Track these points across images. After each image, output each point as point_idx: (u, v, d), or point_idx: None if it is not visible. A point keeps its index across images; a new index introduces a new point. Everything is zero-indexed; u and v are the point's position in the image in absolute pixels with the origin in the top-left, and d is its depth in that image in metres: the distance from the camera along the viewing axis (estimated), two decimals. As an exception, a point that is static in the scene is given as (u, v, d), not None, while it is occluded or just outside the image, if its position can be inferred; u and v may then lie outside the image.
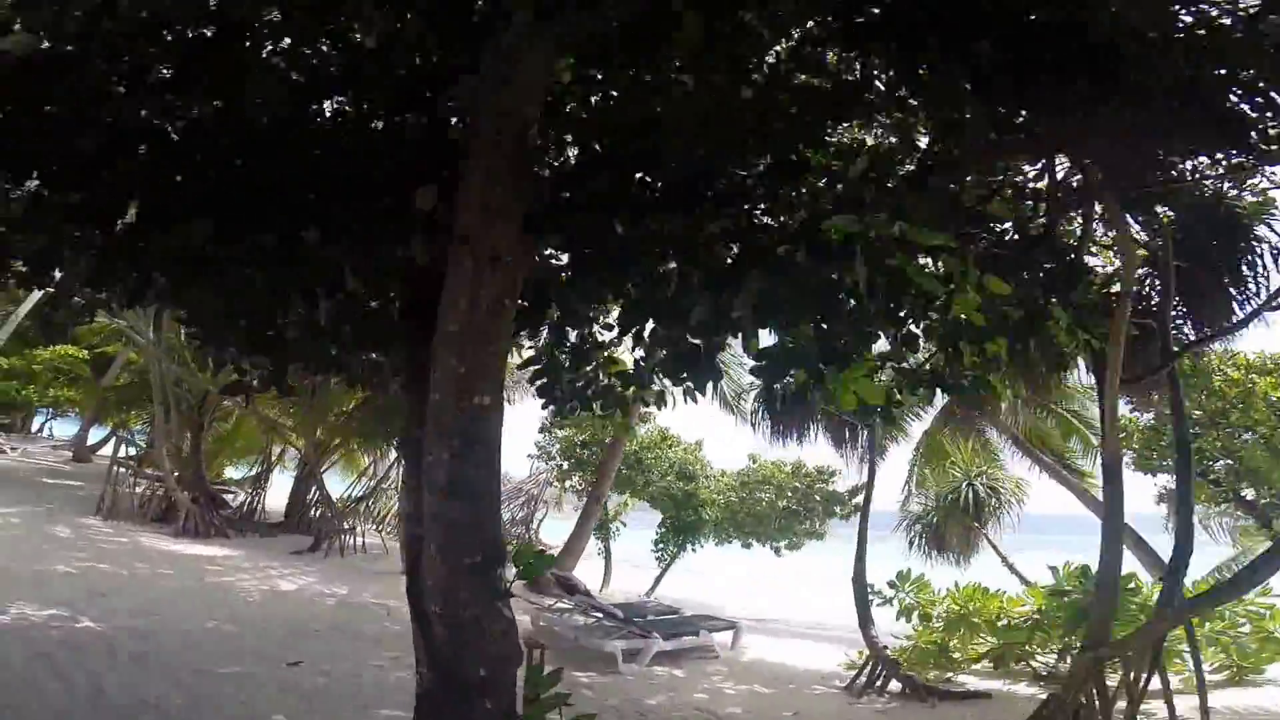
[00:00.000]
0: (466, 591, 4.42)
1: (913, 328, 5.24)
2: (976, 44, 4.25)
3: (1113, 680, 7.46)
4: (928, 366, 6.63)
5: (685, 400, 7.22)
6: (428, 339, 4.76)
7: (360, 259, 4.54)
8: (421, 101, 4.71)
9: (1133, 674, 7.23)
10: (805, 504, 19.79)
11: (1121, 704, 7.25)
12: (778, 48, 4.78)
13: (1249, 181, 8.30)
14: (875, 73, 4.67)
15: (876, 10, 4.32)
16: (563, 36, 4.09)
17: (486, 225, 4.03)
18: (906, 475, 18.77)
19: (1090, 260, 8.22)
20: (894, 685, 9.86)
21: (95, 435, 30.33)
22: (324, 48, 4.53)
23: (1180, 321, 9.56)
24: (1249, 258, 8.92)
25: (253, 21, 4.11)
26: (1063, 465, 16.17)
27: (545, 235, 4.44)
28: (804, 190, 4.79)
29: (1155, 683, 7.25)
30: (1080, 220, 8.73)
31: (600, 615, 11.47)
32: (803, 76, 4.75)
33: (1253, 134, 4.98)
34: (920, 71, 4.41)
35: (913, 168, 5.31)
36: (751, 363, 5.03)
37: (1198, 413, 12.14)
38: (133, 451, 21.68)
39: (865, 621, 10.68)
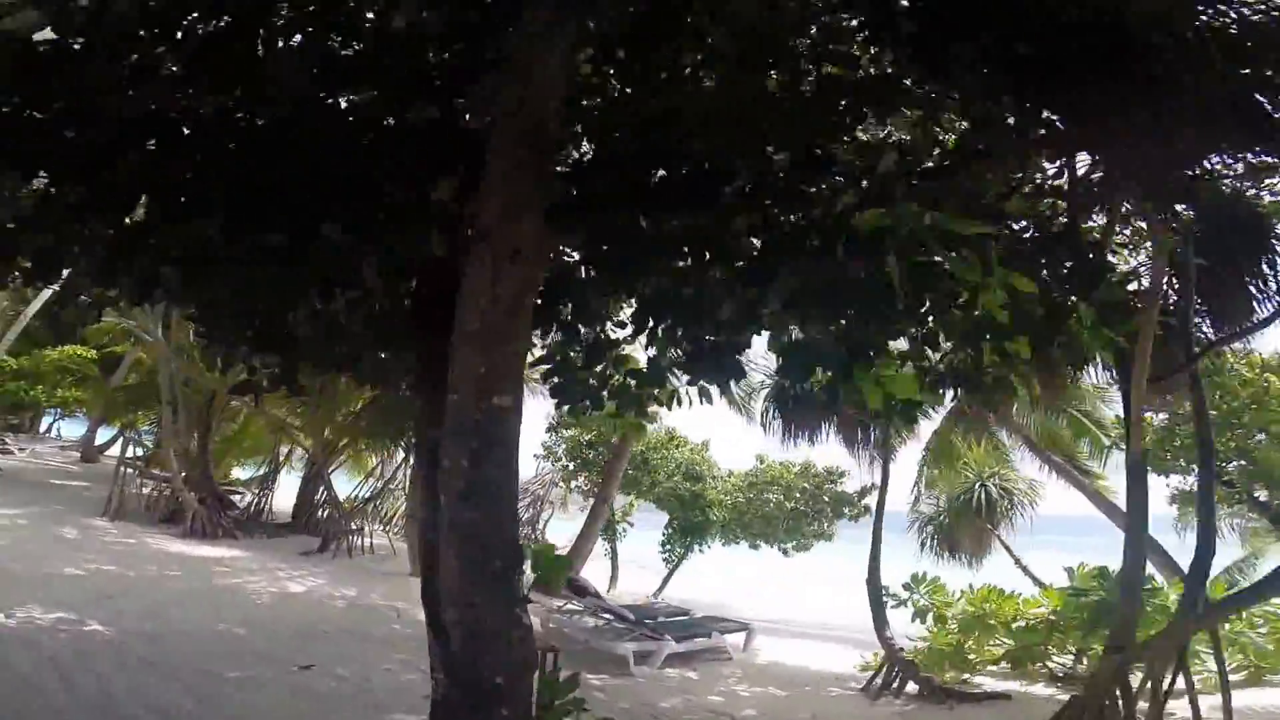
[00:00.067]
0: (485, 598, 4.33)
1: (933, 325, 5.15)
2: (1009, 40, 4.16)
3: (1133, 680, 7.35)
4: (944, 366, 6.52)
5: (700, 400, 7.14)
6: (442, 337, 4.66)
7: (378, 253, 4.43)
8: (440, 94, 4.61)
9: (1157, 677, 7.16)
10: (814, 505, 19.67)
11: (1143, 704, 7.18)
12: (803, 39, 4.66)
13: (1267, 181, 8.21)
14: (902, 66, 4.55)
15: (905, 2, 4.21)
16: (585, 26, 3.99)
17: (507, 220, 3.93)
18: (916, 476, 18.66)
19: (1110, 258, 8.15)
20: (911, 687, 9.78)
21: (103, 435, 30.32)
22: (337, 41, 4.44)
23: (1198, 320, 9.45)
24: (1269, 257, 8.81)
25: (269, 11, 4.01)
26: (1072, 466, 16.06)
27: (565, 231, 4.32)
28: (824, 186, 4.68)
29: (1178, 683, 7.17)
30: (1103, 217, 8.70)
31: (610, 617, 11.37)
32: (830, 68, 4.64)
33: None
34: (950, 66, 4.29)
35: (934, 163, 5.24)
36: (760, 361, 4.97)
37: (1212, 413, 11.97)
38: (140, 452, 21.61)
39: (880, 623, 10.59)
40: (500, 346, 4.10)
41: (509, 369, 4.19)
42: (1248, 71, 4.58)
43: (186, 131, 4.20)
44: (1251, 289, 9.18)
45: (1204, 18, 4.35)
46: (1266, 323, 9.06)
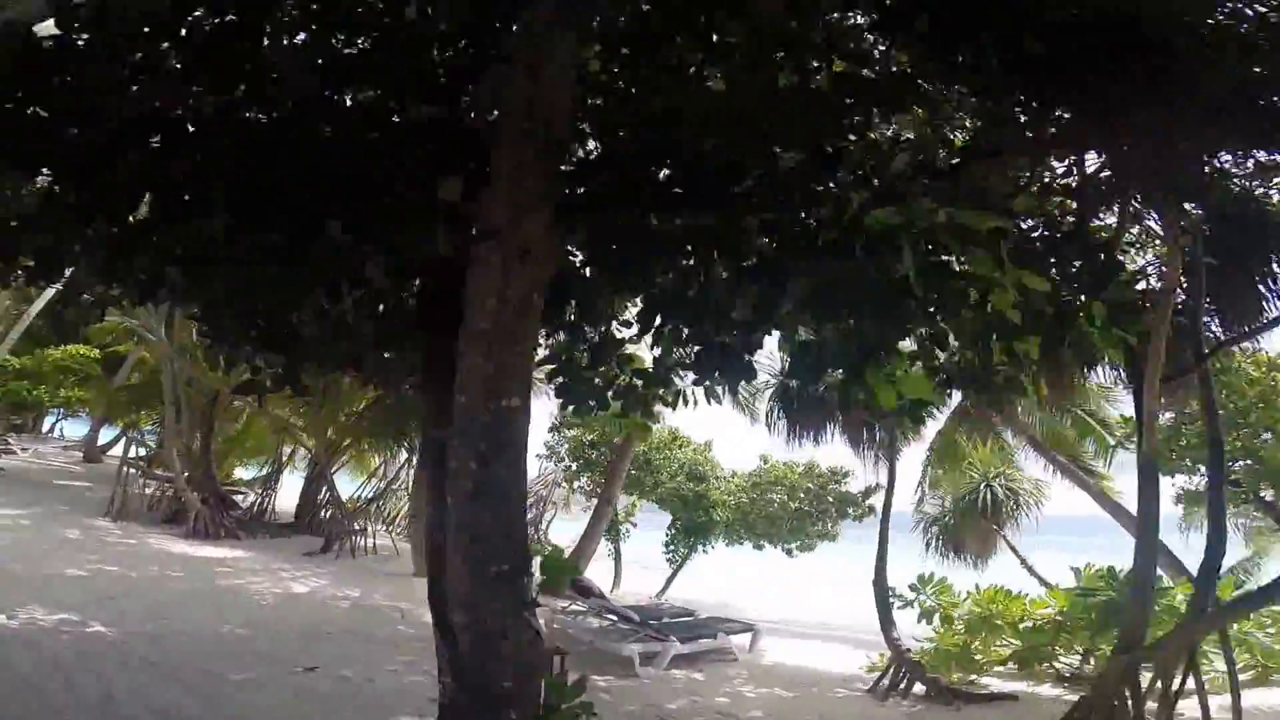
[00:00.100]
0: (493, 601, 4.28)
1: (943, 324, 5.09)
2: (1021, 37, 4.11)
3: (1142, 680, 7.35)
4: (954, 366, 6.47)
5: (708, 400, 7.09)
6: (447, 337, 4.62)
7: (384, 252, 4.38)
8: (443, 92, 4.56)
9: (1167, 678, 7.15)
10: (818, 505, 19.62)
11: (1151, 704, 7.18)
12: (816, 34, 4.61)
13: (1276, 180, 8.15)
14: (915, 64, 4.50)
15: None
16: (592, 20, 3.93)
17: (515, 219, 3.88)
18: (920, 476, 18.58)
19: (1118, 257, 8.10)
20: (918, 688, 9.72)
21: (105, 435, 30.29)
22: (340, 39, 4.39)
23: (1206, 319, 9.40)
24: (1279, 256, 8.76)
25: (272, 8, 3.96)
26: (1076, 465, 16.00)
27: (573, 229, 4.27)
28: (834, 184, 4.63)
29: (1187, 683, 7.18)
30: (1110, 216, 8.65)
31: (615, 618, 11.31)
32: (841, 66, 4.59)
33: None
34: (962, 63, 4.25)
35: (944, 162, 5.18)
36: (764, 361, 4.91)
37: (1220, 412, 11.92)
38: (143, 452, 21.58)
39: (887, 624, 10.53)
40: (509, 347, 4.05)
41: (517, 370, 4.14)
42: (1261, 70, 4.53)
43: (189, 130, 4.14)
44: (1261, 288, 9.16)
45: (1218, 16, 4.31)
46: (1276, 322, 9.00)
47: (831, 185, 4.61)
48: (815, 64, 4.55)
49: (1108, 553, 11.70)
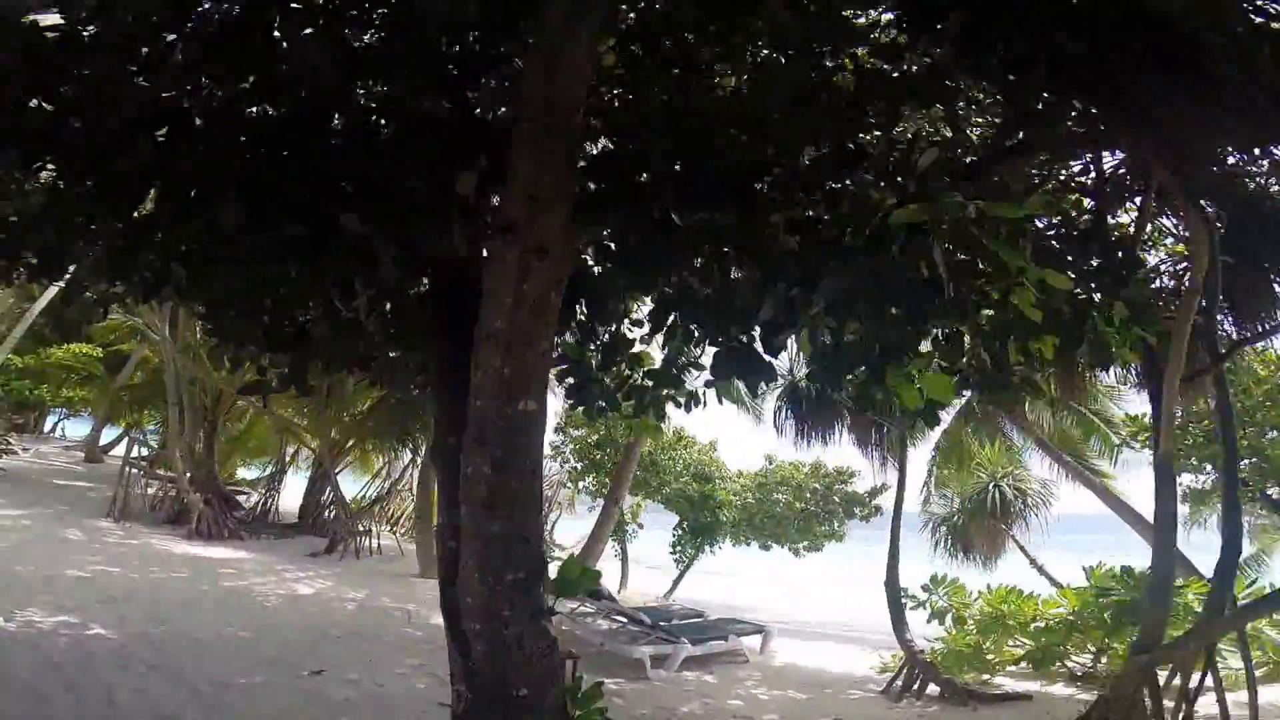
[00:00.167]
0: (509, 609, 4.18)
1: (959, 325, 5.00)
2: (1052, 34, 4.01)
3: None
4: (970, 365, 6.37)
5: (719, 401, 7.00)
6: (460, 337, 4.51)
7: (400, 248, 4.27)
8: (458, 84, 4.45)
9: (1185, 677, 7.13)
10: (824, 505, 19.53)
11: (1169, 702, 7.14)
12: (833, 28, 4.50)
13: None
14: (942, 60, 4.39)
15: None
16: (609, 13, 3.82)
17: (533, 215, 3.76)
18: (926, 476, 18.51)
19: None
20: (931, 688, 9.64)
21: (107, 435, 30.21)
22: (355, 31, 4.28)
23: (1219, 318, 9.30)
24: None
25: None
26: (1081, 464, 15.93)
27: (593, 226, 4.16)
28: (857, 181, 4.52)
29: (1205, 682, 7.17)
30: (1127, 213, 8.56)
31: (625, 620, 11.21)
32: (869, 62, 4.48)
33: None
34: (993, 60, 4.14)
35: (970, 159, 5.09)
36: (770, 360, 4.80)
37: (1226, 410, 11.85)
38: (145, 452, 21.51)
39: (899, 625, 10.43)
40: (526, 348, 3.94)
41: (535, 371, 4.03)
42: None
43: (198, 123, 4.04)
44: (1276, 287, 9.06)
45: (1251, 15, 4.22)
46: (1293, 322, 8.92)
47: (849, 183, 4.52)
48: (835, 62, 4.45)
49: (1113, 551, 11.65)
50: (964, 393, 6.59)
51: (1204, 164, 5.65)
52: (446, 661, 4.86)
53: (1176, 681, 7.26)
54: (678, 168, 4.15)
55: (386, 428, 18.58)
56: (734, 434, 21.63)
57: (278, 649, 8.98)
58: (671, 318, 5.33)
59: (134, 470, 18.92)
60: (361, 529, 17.87)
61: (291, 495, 21.88)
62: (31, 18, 3.72)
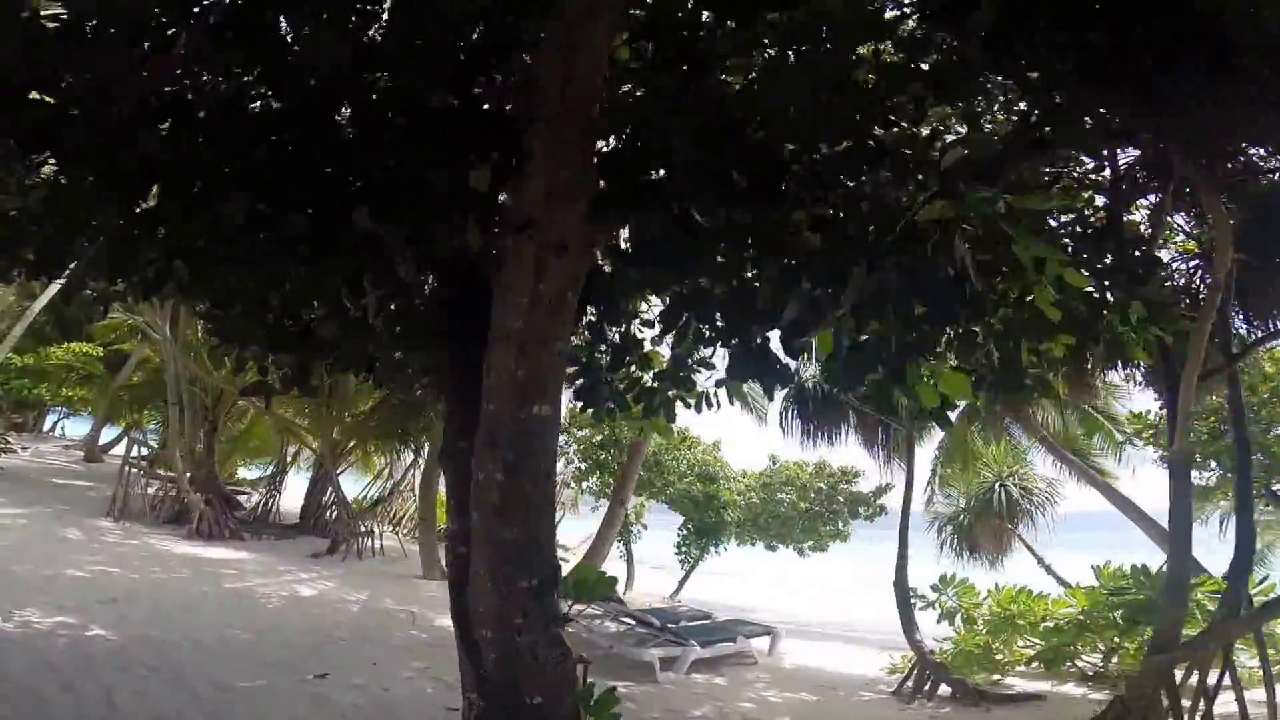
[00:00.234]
0: (521, 617, 4.08)
1: (973, 324, 4.90)
2: (1081, 27, 3.92)
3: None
4: (985, 365, 6.28)
5: (731, 402, 6.88)
6: (470, 337, 4.40)
7: (414, 245, 4.16)
8: (472, 75, 4.33)
9: (1202, 677, 7.11)
10: (829, 505, 19.45)
11: (1185, 701, 7.11)
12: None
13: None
14: (968, 54, 4.28)
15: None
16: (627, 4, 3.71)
17: (550, 211, 3.66)
18: (930, 476, 18.46)
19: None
20: (943, 689, 9.59)
21: (107, 435, 30.08)
22: (366, 20, 4.16)
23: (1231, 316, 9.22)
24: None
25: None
26: (1085, 463, 15.87)
27: (613, 222, 4.05)
28: (864, 179, 4.42)
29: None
30: (1138, 210, 8.46)
31: (633, 622, 11.11)
32: (892, 57, 4.37)
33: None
34: (1021, 54, 4.05)
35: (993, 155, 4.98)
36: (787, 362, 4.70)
37: (1230, 407, 11.80)
38: (145, 451, 21.40)
39: (909, 626, 10.35)
40: (541, 349, 3.83)
41: (550, 373, 3.93)
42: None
43: (204, 114, 3.93)
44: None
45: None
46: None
47: (865, 181, 4.42)
48: (859, 55, 4.35)
49: (1117, 549, 11.60)
50: (980, 392, 6.45)
51: (1231, 158, 5.55)
52: (453, 665, 4.77)
53: (1191, 681, 7.21)
54: (698, 163, 4.03)
55: (388, 428, 18.47)
56: (738, 434, 21.57)
57: (280, 651, 8.87)
58: (684, 318, 5.23)
59: (134, 470, 18.81)
60: (364, 530, 17.76)
61: (292, 495, 21.80)
62: (32, 7, 3.61)
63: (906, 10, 4.49)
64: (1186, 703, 7.07)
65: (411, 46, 3.96)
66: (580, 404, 6.57)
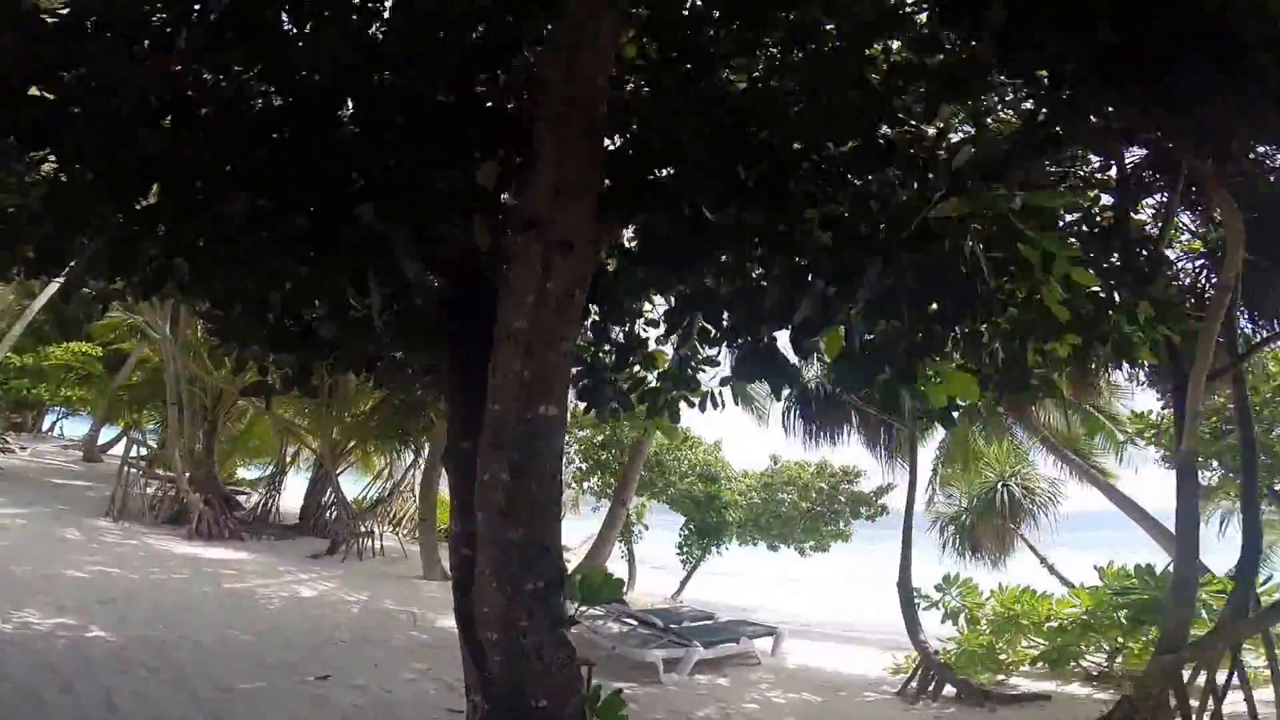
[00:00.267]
0: (527, 619, 4.04)
1: (978, 324, 4.87)
2: (1092, 25, 3.88)
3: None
4: (990, 365, 6.24)
5: (735, 401, 6.84)
6: (473, 337, 4.36)
7: (416, 242, 4.11)
8: (476, 67, 4.29)
9: (1210, 677, 7.09)
10: (830, 505, 19.41)
11: (1194, 701, 7.09)
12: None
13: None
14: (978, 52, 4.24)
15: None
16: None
17: (557, 208, 3.61)
18: (930, 476, 18.44)
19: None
20: (947, 690, 9.53)
21: (106, 435, 30.01)
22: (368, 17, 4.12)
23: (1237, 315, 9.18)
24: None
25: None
26: (1087, 462, 15.85)
27: (620, 221, 4.01)
28: (886, 177, 4.37)
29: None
30: (1143, 209, 8.42)
31: (636, 623, 11.06)
32: (902, 54, 4.33)
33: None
34: (1031, 51, 4.01)
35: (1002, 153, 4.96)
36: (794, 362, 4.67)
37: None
38: (144, 451, 21.35)
39: (913, 626, 10.30)
40: (547, 348, 3.78)
41: (556, 373, 3.88)
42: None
43: (205, 111, 3.88)
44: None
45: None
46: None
47: (872, 179, 4.38)
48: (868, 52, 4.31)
49: (1119, 548, 11.60)
50: (987, 392, 6.42)
51: (1241, 156, 5.52)
52: (455, 666, 4.73)
53: (1199, 681, 7.18)
54: (706, 162, 3.99)
55: (389, 428, 18.42)
56: (739, 434, 21.54)
57: (281, 652, 8.83)
58: (688, 318, 5.19)
59: (133, 470, 18.76)
60: (364, 530, 17.71)
61: (292, 496, 21.74)
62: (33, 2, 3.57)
63: (917, 6, 4.44)
64: (1194, 703, 7.04)
65: (413, 45, 3.92)
66: (583, 404, 6.55)
